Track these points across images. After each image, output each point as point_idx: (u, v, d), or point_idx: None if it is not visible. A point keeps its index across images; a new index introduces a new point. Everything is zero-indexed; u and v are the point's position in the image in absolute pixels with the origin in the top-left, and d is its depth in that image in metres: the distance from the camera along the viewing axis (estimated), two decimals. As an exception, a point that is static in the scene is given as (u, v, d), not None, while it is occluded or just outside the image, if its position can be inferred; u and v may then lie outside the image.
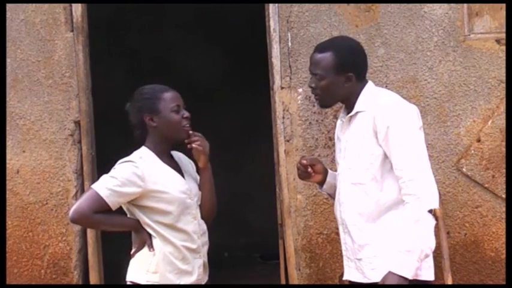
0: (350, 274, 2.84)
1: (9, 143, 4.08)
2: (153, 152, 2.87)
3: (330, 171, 3.00)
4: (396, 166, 2.67)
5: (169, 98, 2.86)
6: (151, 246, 2.80)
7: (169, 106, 2.84)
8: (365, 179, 2.73)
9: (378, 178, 2.72)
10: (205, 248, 2.94)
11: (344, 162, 2.82)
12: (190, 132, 2.88)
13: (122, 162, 2.83)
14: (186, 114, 2.88)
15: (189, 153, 3.00)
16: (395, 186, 2.70)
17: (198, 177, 3.01)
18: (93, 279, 4.09)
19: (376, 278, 2.71)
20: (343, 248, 2.88)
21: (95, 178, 3.84)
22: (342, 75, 2.76)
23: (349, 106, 2.82)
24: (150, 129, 2.87)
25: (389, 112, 2.70)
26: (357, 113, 2.78)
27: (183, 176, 2.92)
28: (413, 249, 2.60)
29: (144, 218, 2.81)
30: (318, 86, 2.79)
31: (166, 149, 2.92)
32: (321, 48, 2.82)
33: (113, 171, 2.81)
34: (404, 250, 2.60)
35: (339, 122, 2.95)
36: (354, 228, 2.78)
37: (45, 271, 4.09)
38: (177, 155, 3.01)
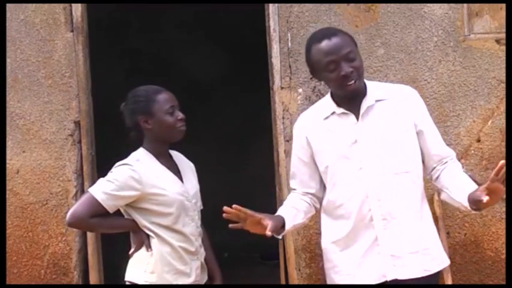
0: (399, 272, 2.64)
1: (9, 143, 4.08)
2: (151, 153, 2.85)
3: (285, 215, 2.70)
4: (440, 146, 2.78)
5: (163, 99, 2.83)
6: (149, 247, 2.80)
7: (164, 108, 2.81)
8: (411, 167, 2.66)
9: (420, 164, 2.70)
10: (203, 250, 2.93)
11: (375, 154, 2.63)
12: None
13: (119, 165, 2.81)
14: (181, 115, 2.84)
15: (190, 153, 2.99)
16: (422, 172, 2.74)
17: (196, 180, 2.99)
18: (93, 279, 4.09)
19: (437, 268, 2.69)
20: (380, 245, 2.64)
21: (95, 178, 3.84)
22: (356, 48, 2.70)
23: (357, 99, 2.69)
24: (145, 131, 2.85)
25: (417, 96, 2.77)
26: (375, 102, 2.69)
27: (181, 177, 2.90)
28: None
29: (141, 220, 2.80)
30: (356, 66, 2.62)
31: (163, 150, 2.90)
32: (331, 33, 2.66)
33: (110, 175, 2.79)
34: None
35: (333, 117, 2.72)
36: (403, 221, 2.64)
37: (45, 271, 4.09)
38: (178, 156, 2.98)
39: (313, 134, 2.76)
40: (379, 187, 2.64)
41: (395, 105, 2.69)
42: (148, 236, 2.81)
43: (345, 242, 2.72)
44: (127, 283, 2.86)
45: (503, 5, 3.86)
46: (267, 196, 4.71)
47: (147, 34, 6.94)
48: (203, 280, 2.94)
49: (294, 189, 2.87)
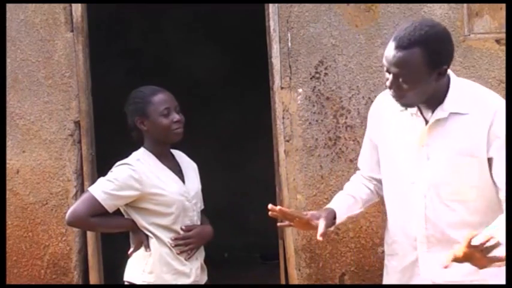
0: None
1: (9, 143, 4.08)
2: (152, 152, 2.84)
3: (338, 204, 2.49)
4: (501, 178, 2.24)
5: (158, 101, 2.79)
6: (147, 247, 2.79)
7: (159, 110, 2.78)
8: (468, 196, 2.29)
9: (485, 195, 2.28)
10: (202, 250, 2.93)
11: (432, 173, 2.31)
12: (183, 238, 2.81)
13: (120, 164, 2.81)
14: (177, 118, 2.80)
15: (190, 154, 2.99)
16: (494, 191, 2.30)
17: (198, 180, 2.99)
18: (93, 279, 4.09)
19: None
20: (420, 267, 2.38)
21: (95, 178, 3.83)
22: (434, 72, 2.24)
23: (431, 104, 2.32)
24: (143, 132, 2.85)
25: (501, 115, 2.24)
26: (450, 114, 2.29)
27: (182, 177, 2.90)
28: None
29: (140, 220, 2.80)
30: (404, 89, 2.25)
31: (164, 150, 2.89)
32: (404, 44, 2.21)
33: (110, 174, 2.79)
34: None
35: (406, 114, 2.38)
36: (451, 248, 2.23)
37: (45, 271, 4.09)
38: (180, 156, 2.98)
39: (386, 124, 2.46)
40: (427, 210, 2.34)
41: (472, 124, 2.27)
42: (147, 236, 2.81)
43: (392, 248, 2.50)
44: (125, 283, 2.86)
45: (503, 5, 3.86)
46: (267, 196, 4.71)
47: (147, 34, 6.94)
48: (203, 280, 2.94)
49: (360, 170, 2.64)
